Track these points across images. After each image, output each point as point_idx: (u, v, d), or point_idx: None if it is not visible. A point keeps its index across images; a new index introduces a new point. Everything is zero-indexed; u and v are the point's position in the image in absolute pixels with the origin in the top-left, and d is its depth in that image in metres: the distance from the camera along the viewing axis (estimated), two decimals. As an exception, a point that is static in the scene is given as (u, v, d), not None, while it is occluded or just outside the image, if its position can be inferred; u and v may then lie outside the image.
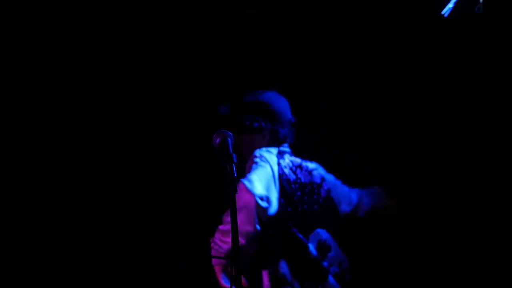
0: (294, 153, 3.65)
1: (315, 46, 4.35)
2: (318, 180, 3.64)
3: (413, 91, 4.32)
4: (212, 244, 3.34)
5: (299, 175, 3.59)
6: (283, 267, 3.44)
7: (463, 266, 4.34)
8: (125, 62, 4.25)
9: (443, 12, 3.48)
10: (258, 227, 3.36)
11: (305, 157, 3.71)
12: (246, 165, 3.51)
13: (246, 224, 3.31)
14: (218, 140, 2.95)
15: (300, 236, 3.46)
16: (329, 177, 3.73)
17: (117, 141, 4.25)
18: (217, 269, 3.34)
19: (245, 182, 3.33)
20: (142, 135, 4.26)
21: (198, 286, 3.68)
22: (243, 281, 3.26)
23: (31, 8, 4.06)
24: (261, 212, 3.34)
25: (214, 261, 3.33)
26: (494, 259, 4.32)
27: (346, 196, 3.79)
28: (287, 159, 3.58)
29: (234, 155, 2.87)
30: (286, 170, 3.54)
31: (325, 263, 3.51)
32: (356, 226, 4.24)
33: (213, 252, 3.33)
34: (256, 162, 3.47)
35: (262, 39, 4.27)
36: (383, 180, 4.29)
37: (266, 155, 3.51)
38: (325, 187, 3.66)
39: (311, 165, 3.66)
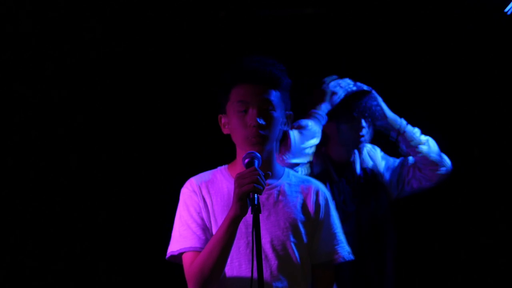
0: None
1: (318, 46, 4.36)
2: None
3: (418, 92, 4.33)
4: None
5: None
6: None
7: (463, 266, 4.36)
8: (125, 62, 4.23)
9: (506, 10, 3.46)
10: None
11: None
12: None
13: None
14: None
15: None
16: None
17: (121, 142, 4.24)
18: None
19: None
20: (146, 136, 4.24)
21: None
22: None
23: (31, 8, 4.03)
24: None
25: None
26: (494, 259, 4.35)
27: None
28: None
29: None
30: None
31: None
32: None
33: None
34: None
35: (264, 39, 4.26)
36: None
37: None
38: None
39: None
